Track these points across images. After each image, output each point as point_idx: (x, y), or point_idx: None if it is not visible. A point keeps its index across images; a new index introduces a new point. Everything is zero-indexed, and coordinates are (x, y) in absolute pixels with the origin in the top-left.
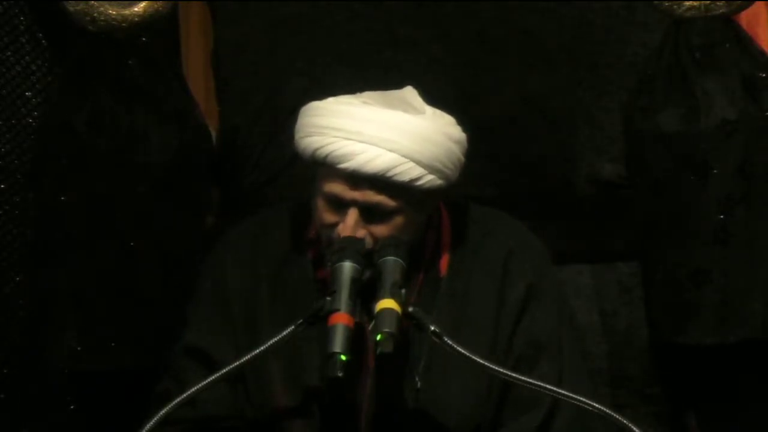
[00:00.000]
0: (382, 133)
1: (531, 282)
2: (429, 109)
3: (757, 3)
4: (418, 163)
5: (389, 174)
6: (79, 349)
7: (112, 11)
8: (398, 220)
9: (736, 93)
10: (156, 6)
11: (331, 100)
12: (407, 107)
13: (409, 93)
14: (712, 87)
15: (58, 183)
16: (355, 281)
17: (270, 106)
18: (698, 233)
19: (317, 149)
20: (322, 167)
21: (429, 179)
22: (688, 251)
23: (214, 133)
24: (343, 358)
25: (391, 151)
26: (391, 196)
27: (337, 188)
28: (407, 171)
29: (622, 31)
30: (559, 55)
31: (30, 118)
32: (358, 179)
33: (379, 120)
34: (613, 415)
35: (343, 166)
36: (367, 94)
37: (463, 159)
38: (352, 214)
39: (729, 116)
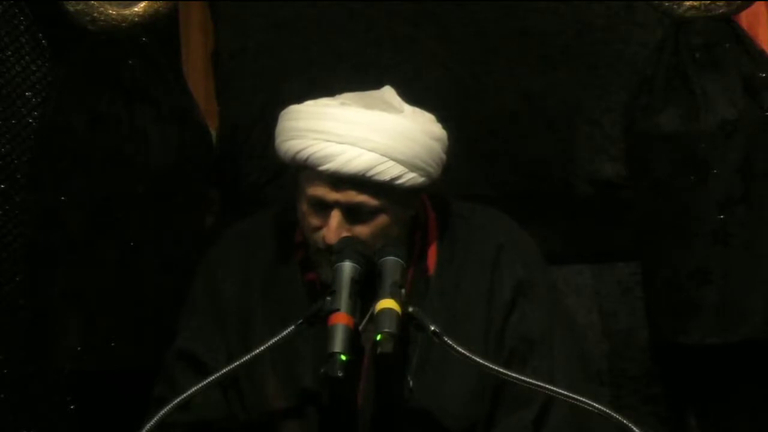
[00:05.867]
0: (361, 133)
1: (521, 278)
2: (408, 108)
3: (757, 3)
4: (398, 161)
5: (370, 173)
6: (79, 349)
7: (112, 11)
8: (382, 219)
9: (736, 93)
10: (156, 6)
11: (309, 102)
12: (386, 106)
13: (388, 92)
14: (712, 87)
15: (58, 183)
16: (355, 281)
17: (270, 106)
18: (698, 233)
19: (297, 152)
20: (304, 170)
21: (410, 177)
22: (688, 251)
23: (214, 133)
24: (344, 357)
25: (370, 150)
26: (373, 196)
27: (319, 190)
28: (388, 170)
29: (622, 31)
30: (559, 55)
31: (30, 118)
32: (340, 180)
33: (358, 120)
34: (612, 415)
35: (323, 167)
36: (346, 95)
37: (444, 156)
38: (336, 216)
39: (729, 116)
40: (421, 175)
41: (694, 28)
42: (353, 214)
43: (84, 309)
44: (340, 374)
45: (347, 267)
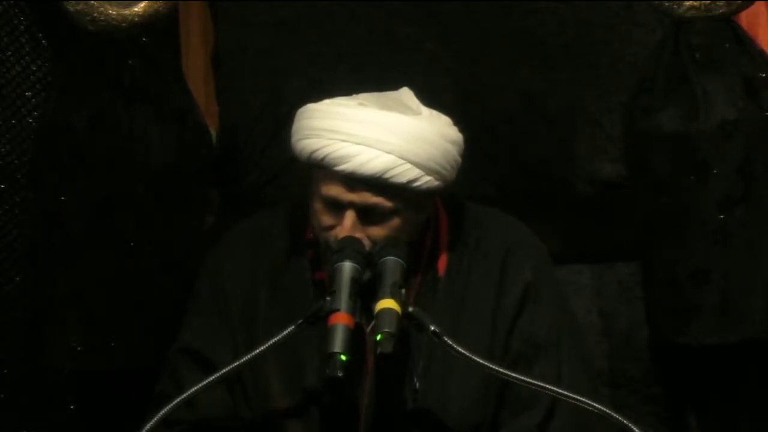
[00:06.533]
0: (378, 134)
1: (529, 281)
2: (425, 110)
3: (757, 3)
4: (415, 164)
5: (386, 175)
6: (79, 349)
7: (112, 11)
8: (396, 221)
9: (736, 93)
10: (156, 6)
11: (327, 101)
12: (403, 108)
13: (406, 94)
14: (712, 87)
15: (58, 183)
16: (355, 281)
17: (270, 106)
18: (698, 233)
19: (314, 151)
20: (319, 170)
21: (426, 180)
22: (688, 251)
23: (214, 133)
24: (343, 358)
25: (387, 152)
26: (388, 198)
27: (334, 190)
28: (404, 172)
29: (622, 31)
30: (559, 55)
31: (30, 118)
32: (355, 181)
33: (376, 121)
34: (613, 415)
35: (339, 168)
36: (363, 96)
37: (459, 159)
38: (350, 216)
39: (729, 116)
40: (437, 179)
41: (694, 28)
42: (367, 215)
43: (84, 309)
44: (340, 374)
45: (347, 267)
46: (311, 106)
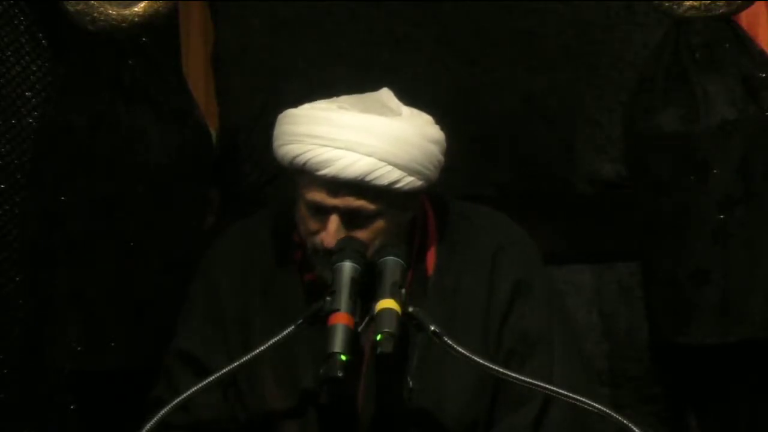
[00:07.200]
0: (358, 137)
1: (519, 278)
2: (406, 110)
3: (757, 3)
4: (397, 165)
5: (368, 178)
6: (79, 349)
7: (112, 11)
8: (380, 223)
9: (736, 93)
10: (156, 6)
11: (306, 106)
12: (383, 110)
13: (386, 95)
14: (712, 87)
15: (58, 183)
16: (355, 281)
17: (270, 106)
18: (698, 233)
19: (295, 157)
20: (302, 175)
21: (408, 181)
22: (688, 251)
23: (214, 133)
24: (344, 358)
25: (368, 155)
26: (371, 200)
27: (317, 195)
28: (386, 174)
29: (622, 31)
30: (559, 55)
31: (30, 118)
32: (338, 185)
33: (356, 125)
34: (612, 415)
35: (321, 173)
36: (343, 99)
37: (442, 158)
38: (334, 221)
39: (729, 116)
40: (419, 179)
41: (694, 28)
42: (351, 218)
43: (84, 309)
44: (339, 374)
45: (347, 267)
46: (291, 111)
